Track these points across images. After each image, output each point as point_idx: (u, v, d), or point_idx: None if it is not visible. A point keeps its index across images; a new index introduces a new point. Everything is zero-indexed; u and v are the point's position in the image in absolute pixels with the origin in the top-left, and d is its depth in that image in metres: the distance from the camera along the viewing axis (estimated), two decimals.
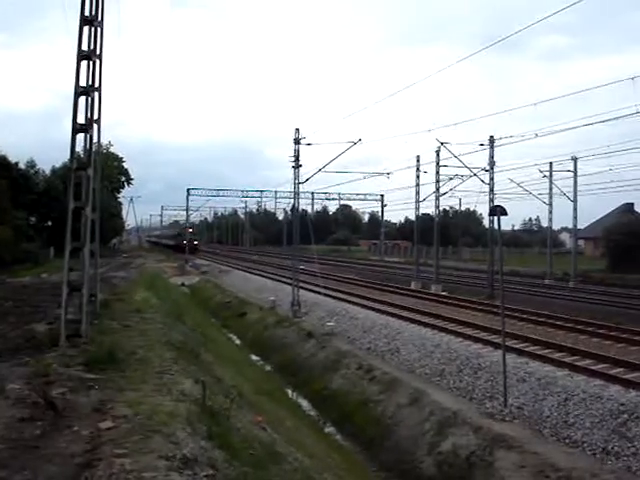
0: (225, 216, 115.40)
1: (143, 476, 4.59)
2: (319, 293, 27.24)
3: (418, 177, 35.25)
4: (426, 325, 18.65)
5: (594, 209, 72.16)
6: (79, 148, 11.44)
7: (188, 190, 66.42)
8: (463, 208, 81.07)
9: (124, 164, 68.89)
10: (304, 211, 58.53)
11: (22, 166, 44.41)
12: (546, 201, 38.38)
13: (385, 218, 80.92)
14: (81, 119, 10.96)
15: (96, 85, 11.21)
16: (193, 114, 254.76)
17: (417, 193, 35.50)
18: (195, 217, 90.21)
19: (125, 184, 71.02)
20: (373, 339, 18.21)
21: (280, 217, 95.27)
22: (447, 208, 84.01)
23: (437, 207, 34.37)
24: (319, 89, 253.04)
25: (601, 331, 16.92)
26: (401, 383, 13.75)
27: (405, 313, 21.06)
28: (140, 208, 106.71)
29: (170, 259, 62.59)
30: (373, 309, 22.58)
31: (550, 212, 39.04)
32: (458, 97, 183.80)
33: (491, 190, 30.32)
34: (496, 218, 12.17)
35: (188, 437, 5.67)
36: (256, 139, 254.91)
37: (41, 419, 5.98)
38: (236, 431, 6.98)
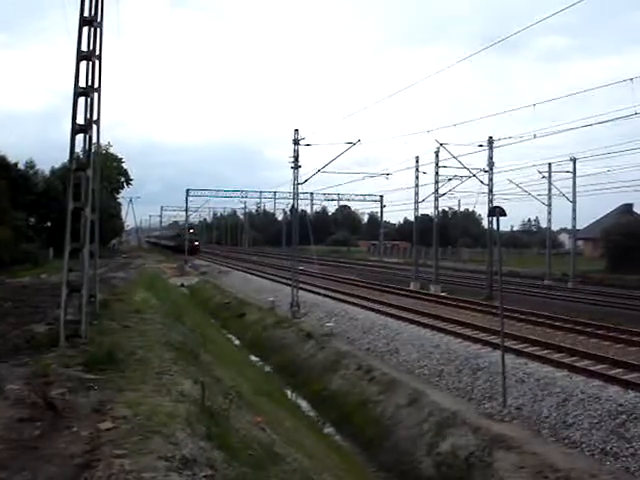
0: (224, 217, 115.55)
1: (142, 477, 4.60)
2: (318, 294, 27.26)
3: (417, 178, 35.33)
4: (425, 326, 18.67)
5: (593, 210, 72.09)
6: (78, 149, 11.46)
7: (187, 191, 66.57)
8: (462, 209, 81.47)
9: (123, 165, 68.80)
10: (303, 212, 58.43)
11: (21, 166, 44.36)
12: (545, 202, 38.49)
13: (384, 219, 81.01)
14: (80, 120, 10.97)
15: (95, 86, 11.22)
16: (193, 115, 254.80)
17: (416, 194, 35.61)
18: (194, 218, 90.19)
19: (124, 185, 70.94)
20: (372, 340, 18.23)
21: (279, 218, 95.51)
22: (446, 209, 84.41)
23: (436, 208, 34.42)
24: (319, 89, 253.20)
25: (600, 332, 16.94)
26: (400, 384, 13.77)
27: (404, 314, 21.06)
28: (139, 209, 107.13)
29: (169, 260, 62.59)
30: (372, 310, 22.59)
31: (549, 213, 39.16)
32: (458, 97, 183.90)
33: (490, 191, 30.33)
34: (495, 219, 12.17)
35: (187, 438, 5.68)
36: (256, 140, 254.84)
37: (40, 420, 5.98)
38: (235, 432, 6.99)
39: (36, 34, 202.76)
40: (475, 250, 67.22)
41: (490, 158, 29.98)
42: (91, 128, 11.13)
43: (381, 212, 75.44)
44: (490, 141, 29.52)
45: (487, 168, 30.24)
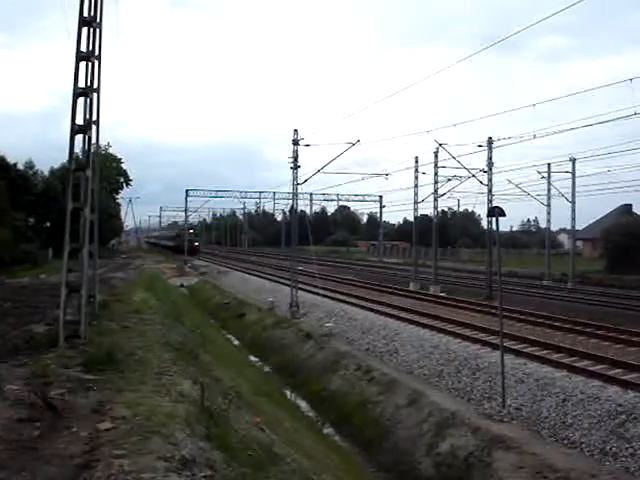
0: (224, 217, 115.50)
1: (142, 477, 4.60)
2: (318, 294, 27.25)
3: (417, 178, 35.32)
4: (425, 326, 18.67)
5: (592, 210, 72.07)
6: (78, 149, 11.47)
7: (187, 191, 66.50)
8: (462, 209, 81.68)
9: (123, 165, 68.91)
10: (302, 212, 58.55)
11: (21, 167, 44.37)
12: (544, 202, 38.51)
13: (384, 219, 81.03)
14: (80, 120, 10.97)
15: (95, 86, 11.21)
16: (192, 115, 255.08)
17: (416, 194, 35.62)
18: (194, 218, 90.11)
19: (124, 185, 71.04)
20: (372, 340, 18.23)
21: (279, 218, 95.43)
22: (446, 209, 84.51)
23: (435, 208, 34.43)
24: (318, 90, 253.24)
25: (599, 332, 16.95)
26: (400, 384, 13.77)
27: (404, 314, 21.07)
28: (139, 209, 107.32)
29: (169, 260, 62.54)
30: (372, 310, 22.59)
31: (548, 213, 39.20)
32: (457, 98, 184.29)
33: (489, 191, 30.33)
34: (494, 219, 12.18)
35: (187, 438, 5.68)
36: (255, 140, 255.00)
37: (40, 420, 5.98)
38: (235, 432, 6.98)
39: (36, 34, 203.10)
40: (474, 250, 67.24)
41: (489, 158, 30.00)
42: (90, 128, 11.13)
43: (380, 212, 75.49)
44: (489, 141, 29.54)
45: (486, 168, 30.26)
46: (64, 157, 13.00)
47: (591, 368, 12.65)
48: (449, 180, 33.52)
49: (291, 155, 25.79)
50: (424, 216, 46.37)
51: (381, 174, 41.23)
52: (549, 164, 36.51)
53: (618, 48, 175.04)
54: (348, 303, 24.70)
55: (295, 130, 25.56)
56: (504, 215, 11.89)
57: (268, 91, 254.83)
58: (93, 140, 11.28)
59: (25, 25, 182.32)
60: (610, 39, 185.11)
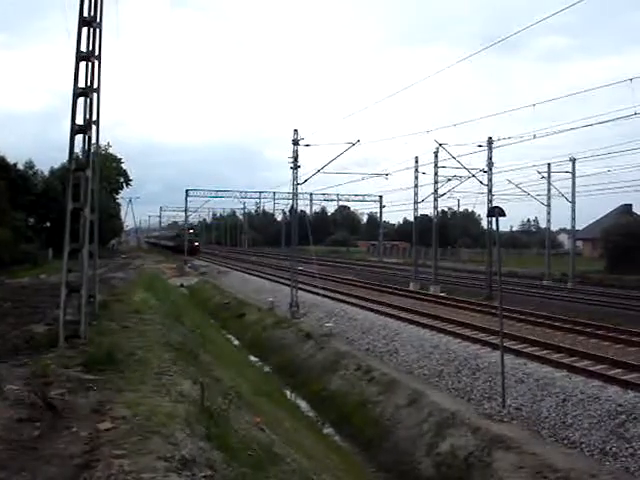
0: (224, 217, 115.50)
1: (142, 477, 4.60)
2: (318, 294, 27.26)
3: (417, 178, 35.33)
4: (425, 326, 18.67)
5: (592, 210, 72.09)
6: (78, 149, 11.46)
7: (187, 191, 66.51)
8: (462, 209, 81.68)
9: (123, 165, 68.93)
10: (302, 212, 58.54)
11: (21, 167, 44.38)
12: (544, 202, 38.52)
13: (384, 219, 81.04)
14: (80, 120, 10.97)
15: (95, 86, 11.21)
16: (192, 115, 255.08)
17: (416, 194, 35.63)
18: (194, 218, 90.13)
19: (124, 185, 71.06)
20: (372, 340, 18.23)
21: (279, 218, 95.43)
22: (446, 209, 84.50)
23: (435, 208, 34.44)
24: (318, 90, 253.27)
25: (599, 332, 16.95)
26: (400, 384, 13.77)
27: (404, 314, 21.07)
28: (139, 209, 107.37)
29: (169, 260, 62.55)
30: (372, 310, 22.59)
31: (548, 213, 39.21)
32: (457, 98, 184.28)
33: (489, 191, 30.34)
34: (494, 219, 12.18)
35: (187, 438, 5.68)
36: (255, 140, 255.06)
37: (40, 420, 5.98)
38: (235, 432, 6.99)
39: (36, 34, 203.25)
40: (474, 250, 67.26)
41: (489, 158, 30.00)
42: (90, 128, 11.13)
43: (380, 212, 75.50)
44: (489, 141, 29.54)
45: (486, 168, 30.27)
46: (64, 157, 13.00)
47: (591, 368, 12.65)
48: (449, 180, 33.56)
49: (291, 155, 25.82)
50: (424, 216, 46.43)
51: (381, 174, 41.29)
52: (549, 164, 36.56)
53: (618, 48, 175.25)
54: (348, 303, 24.70)
55: (295, 130, 25.59)
56: (504, 215, 11.90)
57: (268, 91, 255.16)
58: (93, 140, 11.28)
59: (25, 25, 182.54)
60: (610, 39, 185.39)
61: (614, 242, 43.92)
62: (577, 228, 42.58)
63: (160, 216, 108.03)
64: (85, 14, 10.90)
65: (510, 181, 36.40)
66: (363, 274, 41.45)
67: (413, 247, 41.08)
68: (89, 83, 11.16)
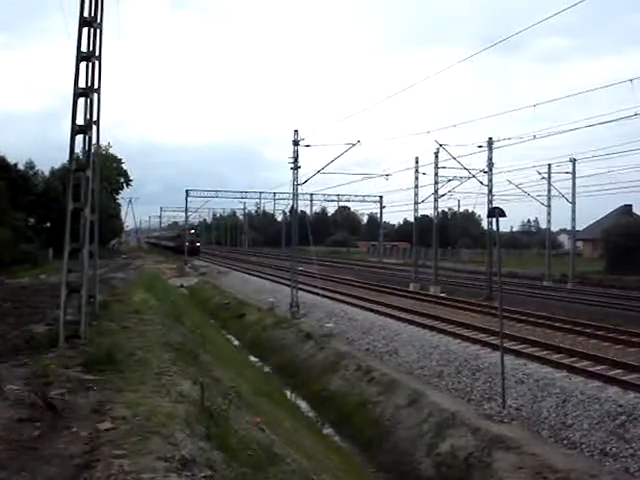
0: (224, 217, 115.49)
1: (142, 477, 4.60)
2: (318, 294, 27.26)
3: (417, 179, 35.38)
4: (425, 326, 18.67)
5: (592, 211, 72.18)
6: (78, 149, 11.47)
7: (187, 191, 66.55)
8: (462, 209, 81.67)
9: (123, 165, 69.00)
10: (303, 212, 58.55)
11: (21, 167, 44.41)
12: (545, 203, 38.55)
13: (384, 220, 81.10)
14: (80, 120, 10.98)
15: (95, 86, 11.23)
16: (192, 115, 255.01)
17: (416, 195, 35.68)
18: (194, 218, 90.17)
19: (124, 185, 71.13)
20: (372, 340, 18.22)
21: (279, 218, 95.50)
22: (446, 209, 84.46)
23: (436, 209, 34.48)
24: (318, 90, 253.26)
25: (599, 332, 16.96)
26: (400, 384, 13.76)
27: (404, 314, 21.08)
28: (139, 209, 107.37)
29: (169, 260, 62.56)
30: (372, 310, 22.59)
31: (549, 214, 39.24)
32: (458, 98, 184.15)
33: (490, 192, 30.35)
34: (495, 219, 12.17)
35: (187, 438, 5.68)
36: (255, 140, 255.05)
37: (40, 420, 5.98)
38: (234, 432, 6.98)
39: (37, 34, 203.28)
40: (475, 251, 67.25)
41: (490, 159, 30.02)
42: (91, 129, 11.14)
43: (380, 213, 75.57)
44: (490, 142, 29.55)
45: (487, 169, 30.27)
46: (64, 157, 13.01)
47: (591, 369, 12.65)
48: (449, 181, 33.57)
49: (291, 155, 25.82)
50: (424, 216, 46.40)
51: (381, 175, 41.25)
52: (549, 165, 36.60)
53: (618, 48, 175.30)
54: (348, 303, 24.71)
55: (295, 130, 25.59)
56: (504, 215, 11.89)
57: (268, 91, 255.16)
58: (93, 140, 11.30)
59: (26, 25, 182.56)
60: (610, 39, 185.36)
61: (614, 243, 43.94)
62: (577, 229, 42.62)
63: (160, 216, 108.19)
64: (86, 14, 10.92)
65: (510, 182, 36.46)
66: (363, 274, 41.46)
67: (413, 247, 41.09)
68: (89, 83, 11.17)
